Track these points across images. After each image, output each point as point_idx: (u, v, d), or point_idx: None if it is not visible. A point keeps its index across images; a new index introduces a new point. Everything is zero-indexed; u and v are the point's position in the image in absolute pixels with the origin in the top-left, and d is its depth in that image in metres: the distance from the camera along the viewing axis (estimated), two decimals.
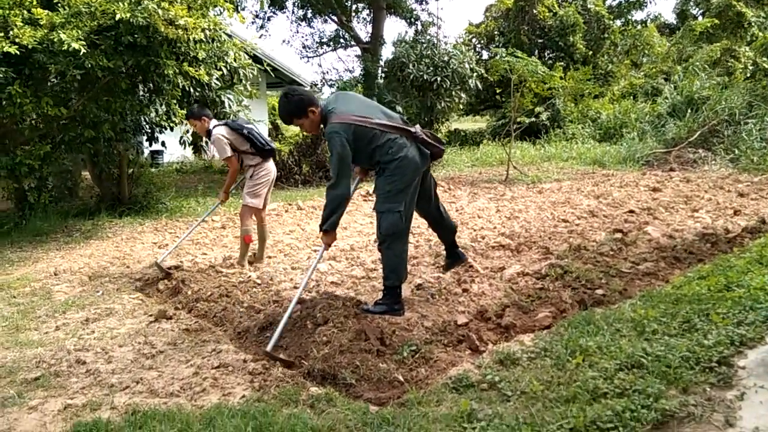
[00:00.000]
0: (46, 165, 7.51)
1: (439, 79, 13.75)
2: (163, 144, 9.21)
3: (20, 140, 7.40)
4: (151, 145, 9.16)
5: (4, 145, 7.34)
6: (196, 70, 7.42)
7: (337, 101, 3.73)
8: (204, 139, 8.36)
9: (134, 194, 9.39)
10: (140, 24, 6.37)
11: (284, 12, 17.05)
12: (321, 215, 3.75)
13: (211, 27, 6.99)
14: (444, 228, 4.28)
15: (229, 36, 8.18)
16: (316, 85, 17.17)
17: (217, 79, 8.31)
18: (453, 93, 14.26)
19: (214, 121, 5.44)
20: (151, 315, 4.08)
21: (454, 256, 4.44)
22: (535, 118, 17.32)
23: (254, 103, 12.16)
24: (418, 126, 3.77)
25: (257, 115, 13.95)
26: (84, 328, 3.92)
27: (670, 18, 28.32)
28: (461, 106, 15.55)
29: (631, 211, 7.12)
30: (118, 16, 6.13)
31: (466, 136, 21.54)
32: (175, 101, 7.84)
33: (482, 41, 23.63)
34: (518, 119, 14.74)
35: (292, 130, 22.55)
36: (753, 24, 24.18)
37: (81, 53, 5.98)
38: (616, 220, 6.69)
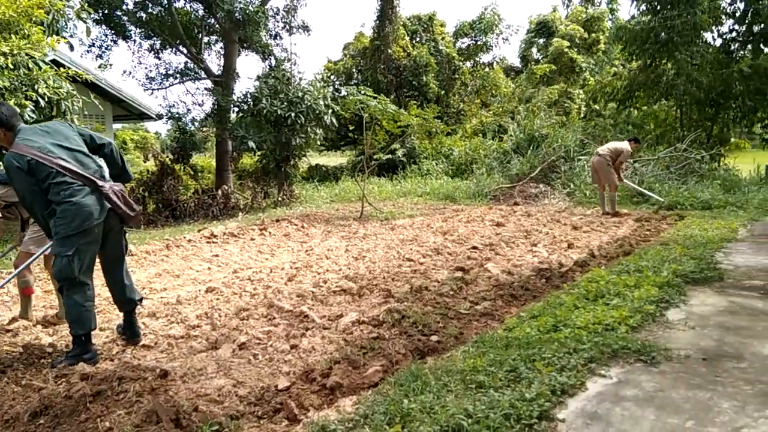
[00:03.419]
0: None
1: (293, 114, 13.49)
2: None
3: None
4: None
5: None
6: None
7: (28, 132, 3.74)
8: None
9: None
10: None
11: (127, 42, 15.94)
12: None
13: (16, 51, 6.11)
14: (117, 300, 4.19)
15: (45, 63, 7.27)
16: (161, 117, 16.11)
17: (32, 111, 7.34)
18: (308, 129, 14.05)
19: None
20: None
21: (128, 329, 4.21)
22: (391, 155, 17.70)
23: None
24: (110, 184, 3.82)
25: None
26: None
27: (515, 61, 30.77)
28: (318, 142, 15.36)
29: (475, 248, 7.21)
30: None
31: (327, 172, 21.48)
32: None
33: (341, 78, 23.92)
34: (375, 155, 14.89)
35: (139, 165, 21.09)
36: (584, 69, 26.91)
37: None
38: (459, 257, 6.71)
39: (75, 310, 3.73)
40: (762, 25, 14.15)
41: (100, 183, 3.75)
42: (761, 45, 14.52)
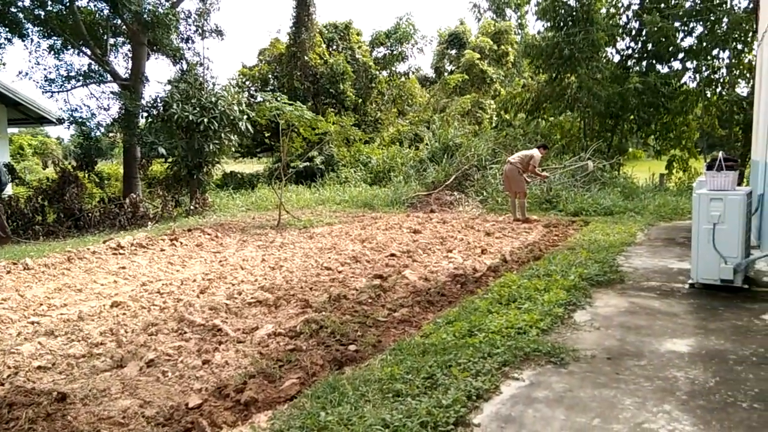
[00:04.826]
0: None
1: (206, 120, 13.07)
2: None
3: None
4: None
5: None
6: None
7: None
8: None
9: None
10: None
11: (24, 41, 14.83)
12: None
13: None
14: None
15: None
16: (62, 121, 15.12)
17: None
18: (222, 135, 13.66)
19: None
20: None
21: None
22: (309, 162, 17.56)
23: None
24: None
25: None
26: None
27: (430, 71, 31.42)
28: (233, 149, 14.98)
29: (393, 255, 7.25)
30: None
31: (243, 179, 20.95)
32: None
33: (256, 84, 23.47)
34: (292, 163, 14.70)
35: (38, 173, 19.78)
36: (495, 80, 27.92)
37: None
38: (377, 265, 6.73)
39: None
40: (654, 44, 15.24)
41: None
42: (654, 62, 15.65)
